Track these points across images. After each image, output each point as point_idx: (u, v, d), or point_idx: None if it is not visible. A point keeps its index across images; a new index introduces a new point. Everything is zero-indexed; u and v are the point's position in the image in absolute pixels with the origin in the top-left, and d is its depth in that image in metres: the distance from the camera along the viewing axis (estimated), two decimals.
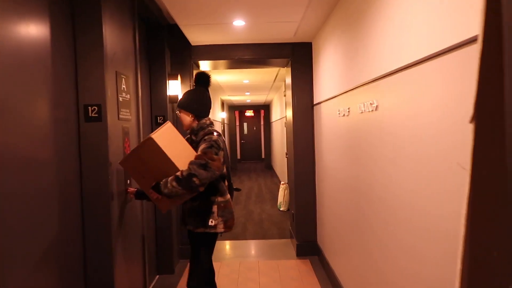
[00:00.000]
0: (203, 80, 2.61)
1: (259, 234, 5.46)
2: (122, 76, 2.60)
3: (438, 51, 1.46)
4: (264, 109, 15.47)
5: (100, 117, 2.26)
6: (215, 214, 2.44)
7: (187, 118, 2.54)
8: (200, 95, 2.59)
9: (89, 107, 2.26)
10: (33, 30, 1.87)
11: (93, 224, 2.28)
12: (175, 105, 4.22)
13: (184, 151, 2.36)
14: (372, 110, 2.23)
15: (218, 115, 10.07)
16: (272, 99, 12.17)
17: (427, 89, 1.57)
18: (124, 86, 2.63)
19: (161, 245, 3.86)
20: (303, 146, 4.42)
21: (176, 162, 2.23)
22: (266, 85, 8.44)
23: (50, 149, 1.99)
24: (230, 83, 7.88)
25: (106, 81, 2.30)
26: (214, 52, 4.34)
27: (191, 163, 2.24)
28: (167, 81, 3.93)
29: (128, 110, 2.69)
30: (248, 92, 9.92)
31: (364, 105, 2.37)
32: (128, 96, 2.69)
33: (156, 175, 2.28)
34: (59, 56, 2.10)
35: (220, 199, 2.47)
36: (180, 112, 2.55)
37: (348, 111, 2.79)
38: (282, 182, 7.14)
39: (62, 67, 2.14)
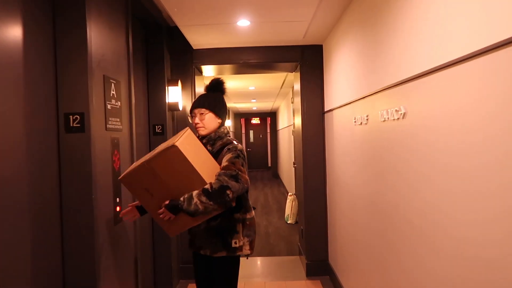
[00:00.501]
0: (220, 87, 2.33)
1: (266, 250, 5.12)
2: (112, 81, 2.30)
3: (490, 45, 1.15)
4: (270, 116, 15.19)
5: (83, 127, 1.96)
6: (240, 234, 2.13)
7: (214, 123, 2.21)
8: (225, 101, 2.35)
9: (70, 116, 1.97)
10: (5, 29, 1.58)
11: (75, 247, 1.98)
12: (177, 113, 3.94)
13: (207, 162, 2.06)
14: (398, 118, 1.91)
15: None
16: (279, 106, 11.88)
17: (472, 91, 1.25)
18: (114, 92, 2.34)
19: (159, 266, 3.54)
20: (313, 156, 4.10)
21: (202, 174, 1.93)
22: (273, 92, 8.15)
23: (24, 162, 1.70)
24: (235, 90, 7.59)
25: (91, 86, 2.00)
26: (218, 56, 4.05)
27: (220, 174, 1.96)
28: (166, 87, 3.64)
29: (118, 119, 2.40)
30: (254, 99, 9.63)
31: (387, 112, 2.05)
32: (118, 103, 2.40)
33: (173, 191, 1.96)
34: (37, 58, 1.82)
35: (245, 215, 2.17)
36: (204, 114, 2.19)
37: (367, 119, 2.46)
38: (289, 194, 6.81)
39: (40, 70, 1.86)
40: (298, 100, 4.33)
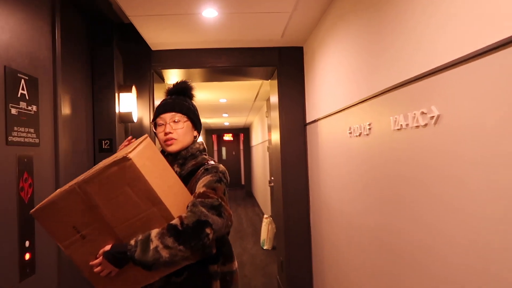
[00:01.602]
0: (189, 92, 1.66)
1: (240, 285, 4.43)
2: (22, 76, 1.64)
3: None
4: (243, 132, 14.60)
5: None
6: None
7: (190, 135, 1.59)
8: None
9: None
10: None
11: None
12: (131, 125, 3.27)
13: (175, 187, 1.41)
14: (425, 125, 1.34)
15: None
16: (252, 121, 11.33)
17: None
18: (26, 92, 1.67)
19: None
20: (293, 176, 3.51)
21: (167, 203, 1.29)
22: (246, 105, 7.58)
23: None
24: (205, 103, 6.97)
25: None
26: (181, 58, 3.44)
27: (195, 204, 1.31)
28: (117, 94, 2.98)
29: (33, 130, 1.72)
30: (226, 113, 9.02)
31: (405, 117, 1.48)
32: (33, 108, 1.73)
33: (118, 230, 1.29)
34: None
35: (226, 267, 1.51)
36: (179, 122, 1.55)
37: (369, 129, 1.90)
38: (265, 216, 6.17)
39: None
40: (275, 113, 3.76)
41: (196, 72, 3.65)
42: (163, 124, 1.56)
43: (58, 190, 1.31)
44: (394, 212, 1.64)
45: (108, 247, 1.29)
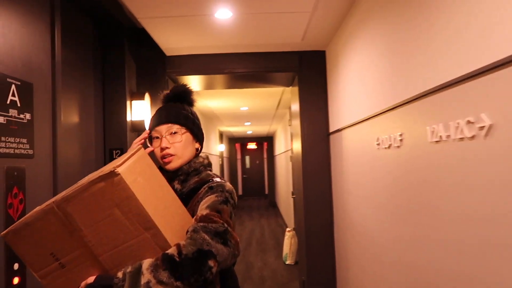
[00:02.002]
0: (188, 97, 1.45)
1: None
2: (11, 81, 1.50)
3: None
4: (267, 141, 14.41)
5: None
6: None
7: (191, 149, 1.39)
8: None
9: None
10: None
11: None
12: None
13: (172, 208, 1.21)
14: (472, 136, 1.09)
15: (215, 148, 8.98)
16: (276, 130, 11.12)
17: None
18: (17, 99, 1.53)
19: None
20: (315, 188, 3.26)
21: (162, 228, 1.09)
22: (268, 113, 7.38)
23: None
24: (225, 111, 6.82)
25: None
26: (196, 64, 3.28)
27: (196, 229, 1.11)
28: (128, 101, 2.84)
29: (25, 140, 1.58)
30: (248, 122, 8.85)
31: (446, 126, 1.24)
32: (26, 116, 1.58)
33: (104, 259, 1.10)
34: None
35: None
36: (177, 134, 1.36)
37: (400, 140, 1.65)
38: (288, 229, 5.91)
39: None
40: (296, 122, 3.54)
41: (214, 78, 3.49)
42: (158, 138, 1.36)
43: (35, 209, 1.13)
44: (433, 240, 1.38)
45: (91, 279, 1.09)
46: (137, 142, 1.39)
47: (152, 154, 1.32)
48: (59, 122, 1.82)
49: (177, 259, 1.04)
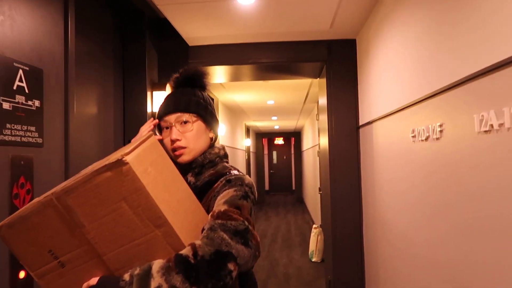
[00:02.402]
0: (200, 80, 1.30)
1: None
2: (19, 65, 1.42)
3: None
4: (294, 136, 14.21)
5: None
6: None
7: (204, 139, 1.26)
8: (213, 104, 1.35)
9: None
10: None
11: None
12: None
13: (186, 203, 1.08)
14: None
15: (241, 142, 8.88)
16: (303, 125, 10.91)
17: None
18: (25, 84, 1.45)
19: None
20: (344, 183, 3.09)
21: (174, 225, 0.96)
22: (295, 108, 7.20)
23: None
24: (252, 105, 6.69)
25: None
26: (220, 54, 3.16)
27: (213, 227, 0.98)
28: (149, 92, 2.76)
29: (33, 128, 1.50)
30: (275, 116, 8.70)
31: (500, 113, 1.05)
32: (34, 103, 1.51)
33: (108, 258, 0.98)
34: None
35: None
36: (188, 124, 1.22)
37: (440, 131, 1.46)
38: (314, 226, 5.75)
39: None
40: (324, 115, 3.37)
41: (239, 69, 3.36)
42: (168, 128, 1.23)
43: (32, 201, 1.04)
44: (477, 244, 1.20)
45: (94, 281, 0.98)
46: (146, 129, 1.28)
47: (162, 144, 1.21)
48: (71, 111, 1.75)
49: (192, 261, 0.91)
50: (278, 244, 6.72)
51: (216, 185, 1.17)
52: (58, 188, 0.99)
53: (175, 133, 1.20)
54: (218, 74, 3.49)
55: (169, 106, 1.23)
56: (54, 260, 1.01)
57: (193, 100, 1.24)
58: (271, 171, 15.75)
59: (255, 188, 1.18)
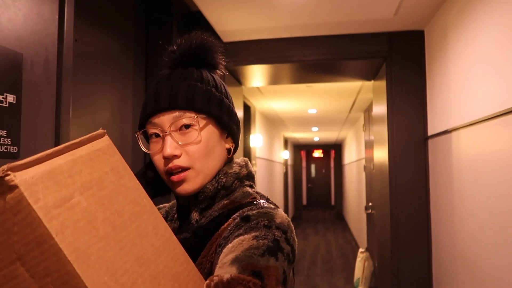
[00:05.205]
0: (207, 55, 0.82)
1: None
2: None
3: None
4: (334, 149, 13.54)
5: None
6: None
7: (218, 151, 0.77)
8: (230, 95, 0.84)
9: None
10: None
11: None
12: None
13: (156, 259, 0.57)
14: None
15: (279, 155, 8.39)
16: (345, 137, 10.26)
17: None
18: None
19: None
20: (407, 207, 2.51)
21: None
22: (339, 117, 6.63)
23: None
24: (291, 114, 6.20)
25: None
26: (258, 50, 2.70)
27: None
28: None
29: (4, 132, 1.09)
30: (316, 127, 8.15)
31: None
32: (8, 97, 1.10)
33: None
34: None
35: None
36: (192, 129, 0.72)
37: None
38: (360, 250, 5.12)
39: None
40: (380, 124, 2.83)
41: (279, 69, 2.91)
42: (159, 136, 0.74)
43: None
44: None
45: None
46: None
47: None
48: (65, 112, 1.33)
49: None
50: (318, 267, 6.12)
51: (226, 224, 0.70)
52: None
53: (170, 145, 0.71)
54: (255, 76, 3.04)
55: (159, 100, 0.73)
56: None
57: (200, 88, 0.74)
58: (309, 185, 15.13)
59: (294, 233, 0.67)
